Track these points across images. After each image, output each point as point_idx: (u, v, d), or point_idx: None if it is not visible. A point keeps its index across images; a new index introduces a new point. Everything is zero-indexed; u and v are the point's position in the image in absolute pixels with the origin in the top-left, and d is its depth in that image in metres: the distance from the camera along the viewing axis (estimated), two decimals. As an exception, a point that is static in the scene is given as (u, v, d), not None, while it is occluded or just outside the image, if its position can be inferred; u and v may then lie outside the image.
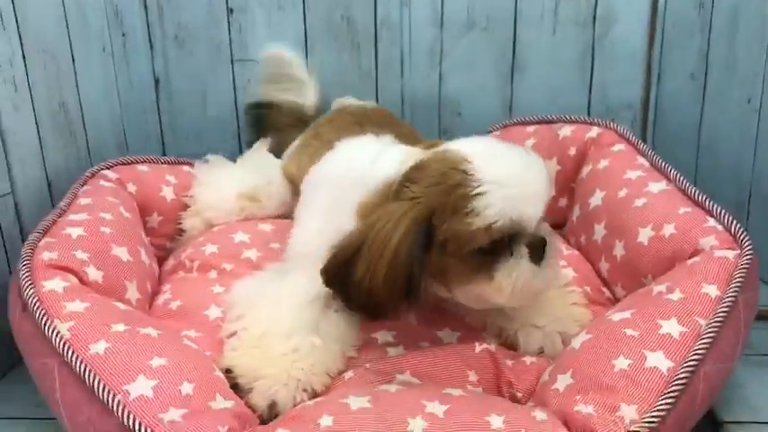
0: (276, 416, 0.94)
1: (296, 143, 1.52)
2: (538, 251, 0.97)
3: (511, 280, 0.96)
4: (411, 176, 0.97)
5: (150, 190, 1.42)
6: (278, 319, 1.03)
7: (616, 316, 0.98)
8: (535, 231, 0.97)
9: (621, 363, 0.89)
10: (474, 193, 0.92)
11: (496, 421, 0.83)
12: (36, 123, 1.28)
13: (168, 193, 1.44)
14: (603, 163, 1.31)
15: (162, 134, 1.77)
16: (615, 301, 1.18)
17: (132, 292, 1.13)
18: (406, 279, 0.95)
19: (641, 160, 1.28)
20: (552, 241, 1.01)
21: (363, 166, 1.06)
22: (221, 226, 1.40)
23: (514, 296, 0.97)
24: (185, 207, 1.45)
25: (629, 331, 0.93)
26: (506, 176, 0.93)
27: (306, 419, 0.85)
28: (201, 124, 1.78)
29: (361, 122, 1.42)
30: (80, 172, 1.35)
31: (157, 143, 1.77)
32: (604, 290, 1.21)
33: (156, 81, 1.74)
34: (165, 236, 1.43)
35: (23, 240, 1.21)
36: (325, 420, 0.84)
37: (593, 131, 1.40)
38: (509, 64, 1.73)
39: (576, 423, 0.83)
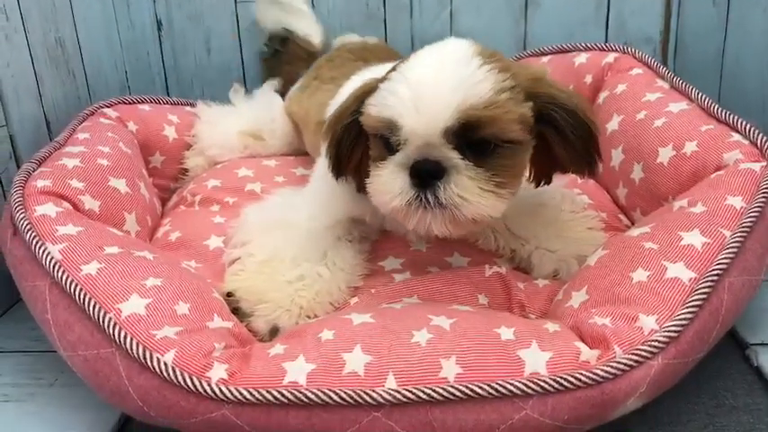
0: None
1: (297, 84, 1.47)
2: (417, 172, 0.84)
3: (375, 178, 0.88)
4: None
5: (152, 129, 1.38)
6: (286, 247, 1.00)
7: (634, 231, 0.93)
8: (428, 152, 0.84)
9: (640, 275, 0.84)
10: (383, 77, 0.88)
11: (506, 333, 0.78)
12: (30, 56, 1.24)
13: (171, 133, 1.40)
14: (621, 87, 1.25)
15: (166, 78, 1.73)
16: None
17: (131, 224, 1.10)
18: (341, 143, 0.94)
19: (660, 83, 1.22)
20: (456, 180, 0.83)
21: None
22: (225, 163, 1.36)
23: (374, 199, 0.90)
24: (188, 147, 1.42)
25: (648, 244, 0.88)
26: (409, 76, 0.85)
27: (306, 334, 0.81)
28: (205, 68, 1.73)
29: (365, 58, 1.37)
30: (79, 111, 1.31)
31: (161, 87, 1.73)
32: (621, 216, 1.16)
33: (159, 24, 1.69)
34: (168, 176, 1.40)
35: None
36: (326, 335, 0.80)
37: (610, 57, 1.33)
38: (522, -1, 1.66)
39: (592, 334, 0.78)
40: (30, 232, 0.91)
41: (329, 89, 1.27)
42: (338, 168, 0.96)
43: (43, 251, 0.88)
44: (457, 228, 0.87)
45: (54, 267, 0.86)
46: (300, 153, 1.41)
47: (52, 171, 1.05)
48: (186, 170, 1.40)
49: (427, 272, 1.02)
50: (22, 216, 0.93)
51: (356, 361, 0.75)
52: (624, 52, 1.33)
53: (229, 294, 0.94)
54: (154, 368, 0.76)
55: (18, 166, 1.19)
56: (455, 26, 1.69)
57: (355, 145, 0.94)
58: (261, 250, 1.00)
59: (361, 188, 0.97)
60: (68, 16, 1.38)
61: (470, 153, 0.84)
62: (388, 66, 1.15)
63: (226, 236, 1.09)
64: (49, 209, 0.96)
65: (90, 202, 1.04)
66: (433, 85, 0.83)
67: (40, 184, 1.01)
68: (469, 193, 0.84)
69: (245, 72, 1.73)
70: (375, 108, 0.87)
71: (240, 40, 1.71)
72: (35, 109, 1.26)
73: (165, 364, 0.76)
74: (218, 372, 0.75)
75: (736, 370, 0.93)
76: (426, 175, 0.83)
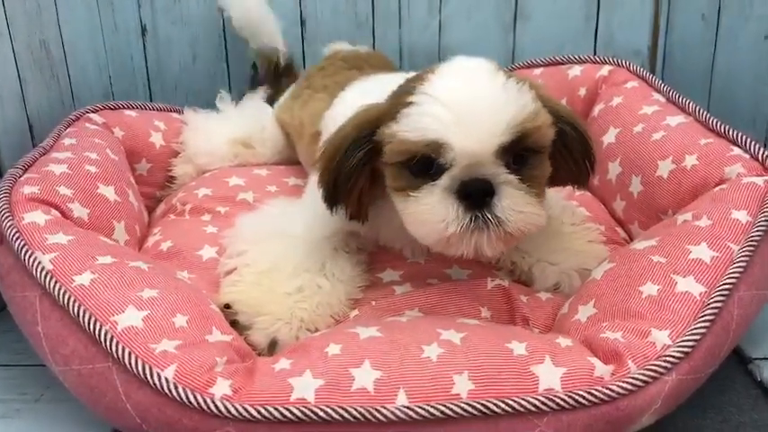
0: (277, 355, 0.87)
1: (287, 92, 1.45)
2: (468, 192, 0.82)
3: (417, 208, 0.85)
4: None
5: (138, 135, 1.34)
6: (284, 257, 0.97)
7: (640, 245, 0.92)
8: (475, 171, 0.82)
9: (649, 289, 0.83)
10: (408, 101, 0.84)
11: (518, 348, 0.76)
12: (15, 59, 1.20)
13: (157, 140, 1.37)
14: (617, 100, 1.24)
15: (149, 84, 1.69)
16: (631, 240, 1.12)
17: (120, 233, 1.06)
18: (341, 173, 0.89)
19: (656, 96, 1.22)
20: (509, 194, 0.82)
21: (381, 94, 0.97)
22: (214, 171, 1.33)
23: (420, 230, 0.87)
24: (176, 154, 1.38)
25: (655, 258, 0.87)
26: (446, 94, 0.82)
27: (311, 348, 0.78)
28: (190, 75, 1.69)
29: (359, 67, 1.35)
30: (65, 116, 1.27)
31: (144, 93, 1.68)
32: (618, 230, 1.15)
33: (143, 29, 1.66)
34: (154, 184, 1.36)
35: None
36: (333, 349, 0.77)
37: (604, 70, 1.33)
38: (511, 12, 1.65)
39: (605, 349, 0.77)
40: (18, 240, 0.87)
41: (322, 98, 1.25)
42: (333, 198, 0.92)
43: (33, 260, 0.84)
44: (508, 244, 0.86)
45: (45, 278, 0.82)
46: (291, 162, 1.38)
47: (39, 177, 1.01)
48: (173, 178, 1.36)
49: (427, 284, 1.00)
50: (9, 223, 0.90)
51: (365, 376, 0.73)
52: (618, 65, 1.33)
53: (227, 306, 0.91)
54: (154, 384, 0.72)
55: (2, 173, 1.15)
56: (444, 37, 1.68)
57: (358, 175, 0.90)
58: (258, 261, 0.97)
59: (354, 216, 0.94)
60: (53, 19, 1.34)
61: (511, 165, 0.84)
62: (387, 78, 1.14)
63: (219, 246, 1.06)
64: (37, 216, 0.93)
65: (79, 210, 1.00)
66: (479, 103, 0.81)
67: (27, 190, 0.97)
68: (522, 205, 0.83)
69: (231, 80, 1.69)
70: (412, 133, 0.82)
71: (226, 48, 1.68)
72: (19, 113, 1.22)
73: (166, 379, 0.73)
74: (221, 387, 0.72)
75: (740, 385, 0.93)
76: (480, 194, 0.82)
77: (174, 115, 1.45)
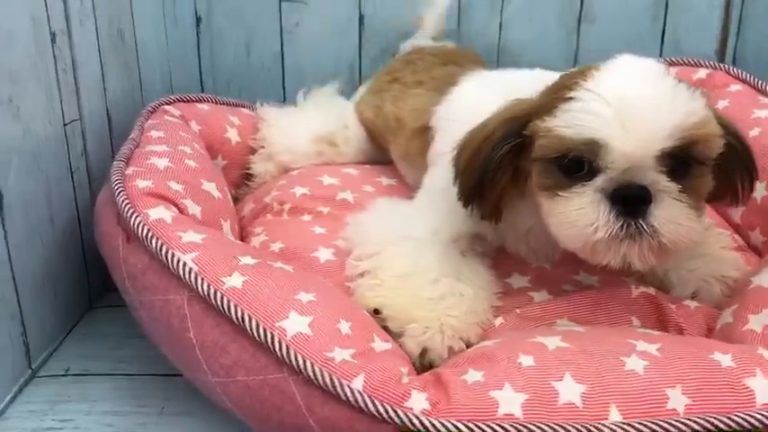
0: (430, 366, 0.81)
1: (365, 88, 1.39)
2: (623, 197, 0.77)
3: (565, 209, 0.80)
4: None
5: (214, 130, 1.26)
6: (421, 261, 0.91)
7: (801, 251, 0.88)
8: (634, 176, 0.77)
9: (835, 297, 0.79)
10: (568, 96, 0.80)
11: (724, 359, 0.71)
12: (98, 46, 1.12)
13: (233, 135, 1.29)
14: (722, 103, 1.21)
15: (201, 77, 1.61)
16: (750, 247, 1.09)
17: (227, 232, 0.99)
18: (485, 169, 0.85)
19: (765, 100, 1.19)
20: (667, 204, 0.77)
21: (519, 91, 0.91)
22: (301, 170, 1.26)
23: (565, 233, 0.82)
24: (252, 151, 1.31)
25: (829, 265, 0.83)
26: (610, 92, 0.77)
27: (498, 359, 0.72)
28: (244, 69, 1.62)
29: (455, 62, 1.29)
30: (135, 107, 1.20)
31: (196, 87, 1.60)
32: (736, 236, 1.11)
33: (198, 20, 1.58)
34: (230, 182, 1.27)
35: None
36: (525, 360, 0.71)
37: (701, 73, 1.30)
38: (575, 13, 1.62)
39: (809, 361, 0.72)
40: (154, 239, 0.80)
41: (420, 93, 1.19)
42: (471, 196, 0.88)
43: (177, 261, 0.77)
44: (660, 258, 0.80)
45: (195, 279, 0.75)
46: (374, 161, 1.31)
47: (145, 171, 0.94)
48: (251, 176, 1.29)
49: (564, 291, 0.95)
50: (138, 220, 0.82)
51: (570, 390, 0.67)
52: (715, 68, 1.30)
53: (376, 311, 0.84)
54: (346, 397, 0.66)
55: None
56: (504, 37, 1.63)
57: (502, 171, 0.86)
58: (394, 264, 0.91)
59: (486, 215, 0.90)
60: (127, 7, 1.26)
61: (672, 174, 0.78)
62: (507, 73, 1.10)
63: (335, 248, 0.99)
64: (162, 213, 0.85)
65: (192, 207, 0.93)
66: (643, 104, 0.76)
67: (142, 184, 0.89)
68: (681, 218, 0.78)
69: (285, 76, 1.62)
70: (569, 130, 0.78)
71: (282, 42, 1.61)
72: (100, 102, 1.14)
73: (359, 392, 0.66)
74: (418, 401, 0.66)
75: None
76: (635, 201, 0.77)
77: (245, 111, 1.37)
